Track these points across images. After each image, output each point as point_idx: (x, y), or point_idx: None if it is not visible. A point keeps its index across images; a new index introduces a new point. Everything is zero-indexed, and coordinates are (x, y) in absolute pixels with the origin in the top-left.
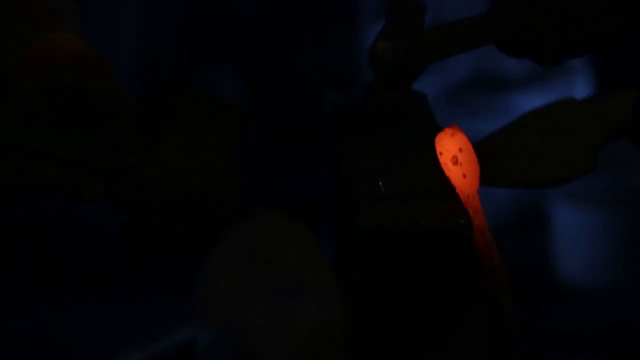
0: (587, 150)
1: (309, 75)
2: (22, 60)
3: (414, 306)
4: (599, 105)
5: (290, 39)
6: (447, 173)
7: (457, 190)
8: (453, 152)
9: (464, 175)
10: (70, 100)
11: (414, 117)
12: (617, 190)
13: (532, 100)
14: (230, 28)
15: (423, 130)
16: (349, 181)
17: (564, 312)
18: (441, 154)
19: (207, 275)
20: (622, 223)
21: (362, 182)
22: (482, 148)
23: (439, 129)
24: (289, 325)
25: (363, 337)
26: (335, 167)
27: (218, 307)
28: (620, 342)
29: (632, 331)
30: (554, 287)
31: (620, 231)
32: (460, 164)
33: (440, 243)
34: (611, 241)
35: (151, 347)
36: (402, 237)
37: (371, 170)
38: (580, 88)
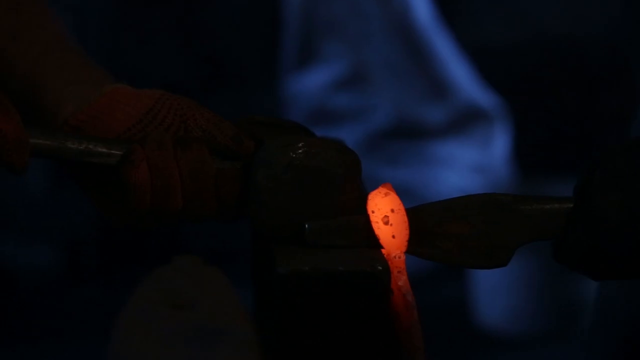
0: (509, 249)
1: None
2: None
3: (331, 351)
4: (533, 209)
5: (208, 90)
6: (377, 232)
7: (385, 249)
8: (385, 212)
9: (393, 236)
10: None
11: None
12: None
13: (451, 149)
14: (147, 80)
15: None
16: (270, 227)
17: (481, 359)
18: (373, 212)
19: (124, 320)
20: (541, 272)
21: (283, 228)
22: (414, 216)
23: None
24: None
25: None
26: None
27: (133, 353)
28: None
29: None
30: (473, 335)
31: (538, 280)
32: (391, 225)
33: (358, 289)
34: (529, 290)
35: None
36: (320, 282)
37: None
38: (499, 137)
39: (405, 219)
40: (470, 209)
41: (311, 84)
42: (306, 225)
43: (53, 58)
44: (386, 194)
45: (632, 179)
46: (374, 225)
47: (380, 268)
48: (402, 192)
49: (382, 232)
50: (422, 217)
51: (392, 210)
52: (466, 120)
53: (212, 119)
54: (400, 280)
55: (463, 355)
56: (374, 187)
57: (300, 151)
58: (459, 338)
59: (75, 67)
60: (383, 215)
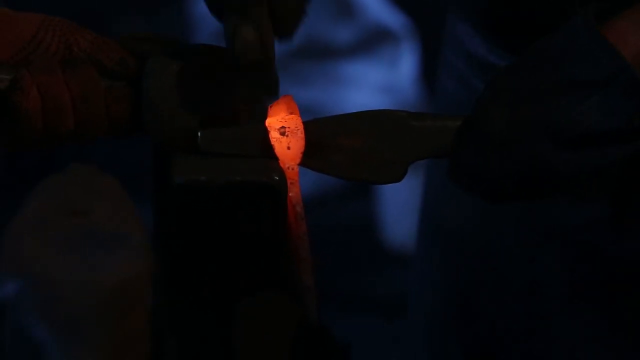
0: (402, 164)
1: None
2: None
3: (223, 260)
4: (427, 125)
5: (116, 11)
6: (272, 141)
7: (279, 159)
8: (282, 123)
9: (288, 148)
10: None
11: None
12: None
13: (358, 69)
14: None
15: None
16: (167, 137)
17: (387, 278)
18: (270, 122)
19: (15, 228)
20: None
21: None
22: (308, 128)
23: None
24: (96, 277)
25: (173, 291)
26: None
27: (24, 259)
28: None
29: None
30: (380, 253)
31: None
32: (287, 136)
33: (254, 198)
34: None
35: None
36: (216, 192)
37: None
38: (406, 58)
39: (302, 131)
40: (363, 123)
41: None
42: (199, 133)
43: None
44: (286, 106)
45: (518, 94)
46: (270, 135)
47: (277, 178)
48: (309, 112)
49: (278, 142)
50: (315, 129)
51: (289, 122)
52: (374, 40)
53: (96, 41)
54: (292, 191)
55: (370, 274)
56: None
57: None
58: (366, 257)
59: None
60: (280, 126)
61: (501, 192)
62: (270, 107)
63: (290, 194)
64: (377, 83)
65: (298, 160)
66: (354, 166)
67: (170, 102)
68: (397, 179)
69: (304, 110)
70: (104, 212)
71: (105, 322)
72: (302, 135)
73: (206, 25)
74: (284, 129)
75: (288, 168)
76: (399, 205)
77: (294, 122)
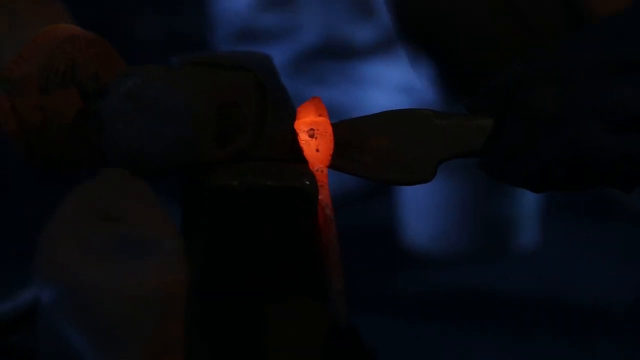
0: (431, 164)
1: (157, 40)
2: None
3: (254, 264)
4: (455, 124)
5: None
6: (301, 143)
7: (308, 162)
8: (311, 125)
9: (317, 150)
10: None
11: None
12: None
13: (378, 69)
14: None
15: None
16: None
17: (407, 279)
18: (299, 124)
19: (50, 233)
20: (470, 191)
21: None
22: (336, 130)
23: (286, 94)
24: (132, 284)
25: (203, 295)
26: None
27: (60, 265)
28: (464, 309)
29: (476, 298)
30: (401, 253)
31: (467, 199)
32: (316, 138)
33: (285, 203)
34: (458, 209)
35: None
36: (247, 196)
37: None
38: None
39: (331, 132)
40: (390, 122)
41: (238, 2)
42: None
43: None
44: (313, 107)
45: (568, 73)
46: (299, 138)
47: (308, 182)
48: (329, 112)
49: (307, 145)
50: (343, 131)
51: (318, 124)
52: (393, 40)
53: (97, 58)
54: (321, 194)
55: (390, 275)
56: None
57: (137, 80)
58: (388, 258)
59: (25, 6)
60: (309, 128)
61: (548, 177)
62: (299, 109)
63: (319, 197)
64: (397, 83)
65: (327, 163)
66: (383, 167)
67: (120, 127)
68: (427, 179)
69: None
70: (138, 218)
71: (140, 329)
72: (331, 138)
73: (225, 25)
74: (312, 131)
75: (317, 170)
76: (420, 207)
77: (323, 125)
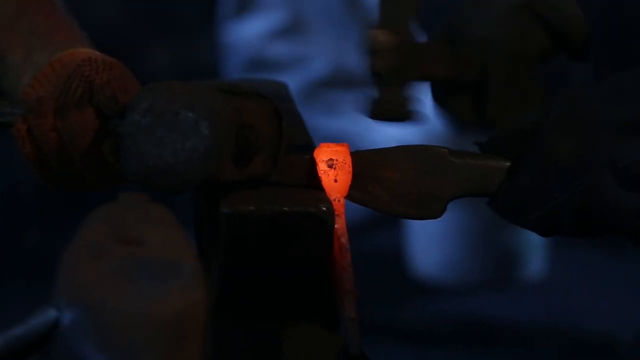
0: (442, 201)
1: (170, 68)
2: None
3: (269, 288)
4: (469, 164)
5: (147, 38)
6: (320, 174)
7: (326, 191)
8: (331, 155)
9: (336, 180)
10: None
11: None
12: None
13: None
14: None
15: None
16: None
17: (416, 307)
18: (318, 153)
19: (71, 256)
20: (478, 221)
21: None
22: (353, 160)
23: (301, 120)
24: (152, 306)
25: (224, 320)
26: None
27: (81, 287)
28: (471, 337)
29: (483, 327)
30: (408, 282)
31: (475, 229)
32: (335, 168)
33: (302, 228)
34: (466, 239)
35: (11, 330)
36: (263, 222)
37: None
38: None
39: (350, 164)
40: (405, 157)
41: (250, 32)
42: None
43: (21, 22)
44: (334, 143)
45: (587, 125)
46: (318, 168)
47: (325, 209)
48: (339, 142)
49: (325, 175)
50: (359, 162)
51: (338, 154)
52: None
53: (114, 81)
54: (338, 223)
55: (399, 303)
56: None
57: (159, 93)
58: (395, 287)
59: (43, 31)
60: (328, 158)
61: (558, 223)
62: (322, 144)
63: (336, 226)
64: None
65: (345, 193)
66: (392, 199)
67: (140, 141)
68: (436, 215)
69: (333, 140)
70: (157, 241)
71: (159, 353)
72: (350, 169)
73: (236, 55)
74: (332, 162)
75: (335, 200)
76: (429, 236)
77: (342, 155)
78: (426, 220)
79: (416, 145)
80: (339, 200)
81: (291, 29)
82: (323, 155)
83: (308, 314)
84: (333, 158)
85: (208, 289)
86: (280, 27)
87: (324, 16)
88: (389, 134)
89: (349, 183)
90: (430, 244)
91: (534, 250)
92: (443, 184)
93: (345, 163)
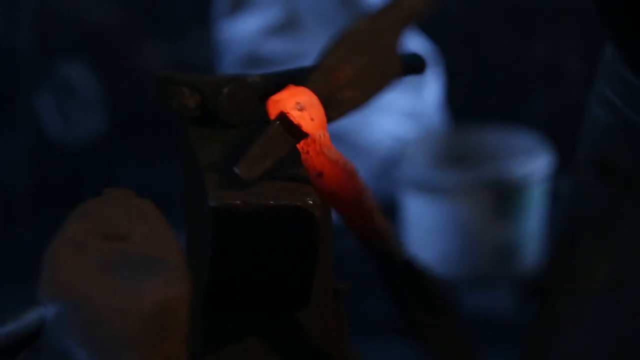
0: (393, 51)
1: (165, 65)
2: None
3: (257, 282)
4: (387, 8)
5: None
6: (297, 120)
7: (310, 134)
8: (295, 100)
9: (312, 119)
10: None
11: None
12: (465, 182)
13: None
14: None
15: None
16: (202, 167)
17: None
18: (283, 105)
19: (54, 250)
20: (473, 216)
21: (215, 167)
22: (314, 91)
23: None
24: (134, 300)
25: (210, 314)
26: (186, 153)
27: (64, 282)
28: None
29: (478, 323)
30: None
31: (470, 224)
32: (305, 109)
33: (288, 222)
34: (461, 234)
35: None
36: (251, 216)
37: (226, 158)
38: (431, 84)
39: (315, 98)
40: (338, 49)
41: (244, 29)
42: (235, 170)
43: None
44: (287, 89)
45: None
46: (291, 116)
47: (311, 202)
48: (336, 138)
49: (301, 119)
50: (317, 87)
51: (299, 97)
52: None
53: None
54: (334, 155)
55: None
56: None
57: None
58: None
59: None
60: (295, 103)
61: None
62: (272, 99)
63: (335, 158)
64: (403, 108)
65: (325, 124)
66: (362, 89)
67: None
68: (400, 72)
69: (330, 137)
70: (141, 236)
71: (143, 347)
72: (318, 101)
73: (231, 52)
74: (299, 105)
75: (320, 136)
76: (423, 231)
77: (303, 94)
78: (420, 216)
79: (335, 36)
80: (324, 135)
81: (286, 26)
82: (288, 103)
83: (296, 307)
84: (298, 102)
85: (195, 283)
86: (274, 25)
87: (318, 13)
88: (386, 130)
89: (324, 114)
90: (425, 238)
91: (529, 244)
92: (382, 38)
93: (312, 98)
